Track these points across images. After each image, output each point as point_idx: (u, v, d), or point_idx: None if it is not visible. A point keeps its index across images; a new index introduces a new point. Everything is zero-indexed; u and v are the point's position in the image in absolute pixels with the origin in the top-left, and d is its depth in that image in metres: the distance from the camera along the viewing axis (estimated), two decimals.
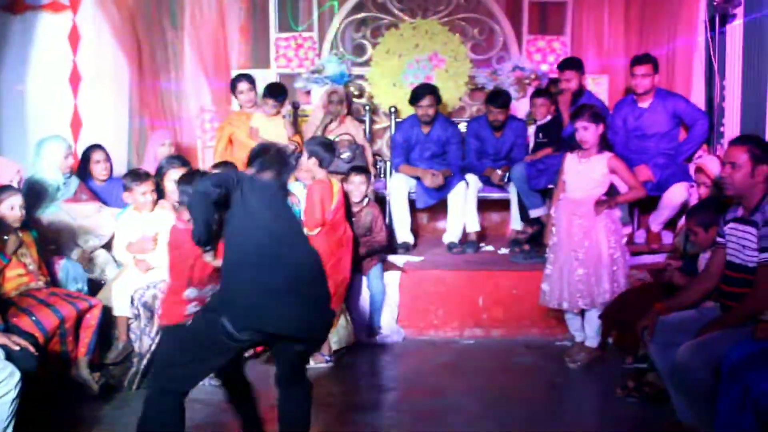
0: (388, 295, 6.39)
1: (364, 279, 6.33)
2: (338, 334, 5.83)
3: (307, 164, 5.75)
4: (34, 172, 6.02)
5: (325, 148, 5.78)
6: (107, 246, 6.00)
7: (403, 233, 7.20)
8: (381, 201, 7.20)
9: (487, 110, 7.25)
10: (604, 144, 5.58)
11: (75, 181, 6.12)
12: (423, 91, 7.18)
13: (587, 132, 5.45)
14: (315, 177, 5.82)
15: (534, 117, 7.26)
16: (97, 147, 6.58)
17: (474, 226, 7.23)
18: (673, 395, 4.31)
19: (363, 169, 6.63)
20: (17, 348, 4.15)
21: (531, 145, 7.29)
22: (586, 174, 5.52)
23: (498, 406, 5.03)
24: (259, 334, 3.53)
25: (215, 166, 6.77)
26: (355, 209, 6.37)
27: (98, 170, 6.39)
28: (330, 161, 5.85)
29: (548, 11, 8.27)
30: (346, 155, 7.15)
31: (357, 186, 6.37)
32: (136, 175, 5.65)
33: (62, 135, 6.35)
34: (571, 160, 5.63)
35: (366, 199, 6.48)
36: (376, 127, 8.20)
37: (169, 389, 3.56)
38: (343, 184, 6.20)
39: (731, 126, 6.64)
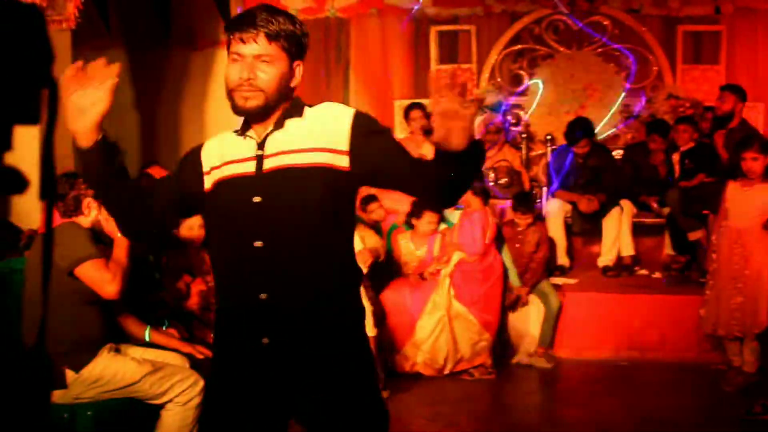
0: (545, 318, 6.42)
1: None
2: (495, 351, 6.08)
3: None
4: None
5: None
6: None
7: (560, 256, 7.29)
8: None
9: (650, 139, 7.36)
10: None
11: None
12: (579, 135, 7.22)
13: (757, 163, 5.34)
14: (470, 206, 6.11)
15: (677, 143, 7.28)
16: None
17: (628, 250, 7.26)
18: None
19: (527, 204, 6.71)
20: (202, 357, 4.22)
21: (677, 172, 7.31)
22: (749, 202, 5.44)
23: (651, 428, 5.01)
24: None
25: None
26: (522, 227, 6.52)
27: None
28: (482, 189, 6.12)
29: (702, 40, 8.32)
30: (503, 181, 7.40)
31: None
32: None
33: None
34: (733, 188, 5.54)
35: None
36: (533, 153, 8.35)
37: None
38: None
39: None
